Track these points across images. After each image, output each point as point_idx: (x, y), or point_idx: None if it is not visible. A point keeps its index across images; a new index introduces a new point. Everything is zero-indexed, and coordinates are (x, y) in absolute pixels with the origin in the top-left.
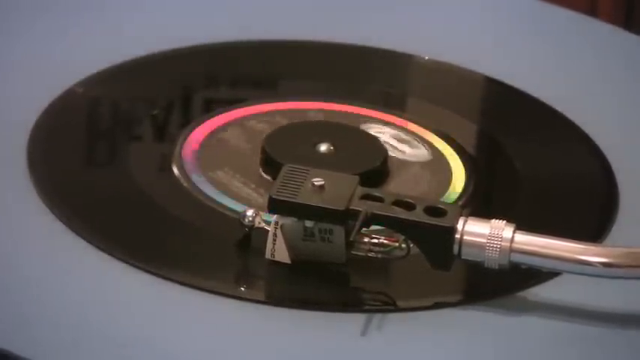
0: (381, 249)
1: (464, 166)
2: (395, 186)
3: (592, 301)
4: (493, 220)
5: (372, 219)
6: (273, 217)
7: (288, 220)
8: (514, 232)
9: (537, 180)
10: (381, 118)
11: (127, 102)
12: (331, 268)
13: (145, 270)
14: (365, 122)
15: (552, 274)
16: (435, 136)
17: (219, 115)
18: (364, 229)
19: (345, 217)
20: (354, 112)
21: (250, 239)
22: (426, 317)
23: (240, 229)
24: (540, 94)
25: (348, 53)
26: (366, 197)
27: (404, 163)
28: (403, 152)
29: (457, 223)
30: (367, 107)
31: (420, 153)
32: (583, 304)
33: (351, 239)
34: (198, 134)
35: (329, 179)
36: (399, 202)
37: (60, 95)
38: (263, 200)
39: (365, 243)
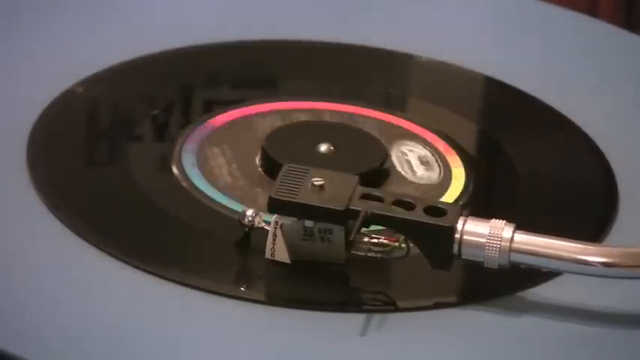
0: (381, 249)
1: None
2: (394, 186)
3: (592, 301)
4: (493, 220)
5: (372, 219)
6: (273, 217)
7: (288, 220)
8: (514, 231)
9: (537, 180)
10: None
11: (126, 102)
12: (331, 268)
13: (145, 270)
14: (394, 134)
15: (552, 274)
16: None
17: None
18: (364, 228)
19: (344, 216)
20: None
21: (250, 239)
22: (426, 317)
23: (240, 229)
24: (540, 94)
25: (348, 53)
26: (365, 197)
27: (403, 181)
28: (414, 173)
29: (457, 222)
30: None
31: (430, 177)
32: (583, 304)
33: (351, 239)
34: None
35: (329, 179)
36: (398, 202)
37: (60, 95)
38: (263, 200)
39: (365, 243)
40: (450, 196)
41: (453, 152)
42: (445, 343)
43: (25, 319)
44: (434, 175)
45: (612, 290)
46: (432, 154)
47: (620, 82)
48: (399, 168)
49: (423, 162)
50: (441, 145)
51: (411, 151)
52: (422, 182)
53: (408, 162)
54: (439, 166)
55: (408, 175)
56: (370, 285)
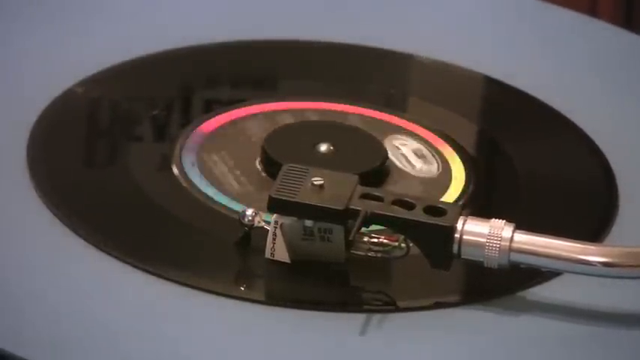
0: (381, 248)
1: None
2: (394, 186)
3: (592, 301)
4: (492, 220)
5: (372, 218)
6: (273, 217)
7: (288, 220)
8: (513, 231)
9: (537, 180)
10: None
11: (127, 102)
12: (331, 268)
13: (145, 270)
14: (391, 132)
15: (552, 274)
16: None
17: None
18: (364, 228)
19: (344, 216)
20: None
21: (250, 239)
22: (426, 317)
23: (240, 229)
24: (540, 94)
25: (348, 53)
26: (365, 196)
27: (405, 176)
28: (413, 167)
29: (457, 222)
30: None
31: (430, 169)
32: (583, 304)
33: (351, 238)
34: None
35: (328, 178)
36: (398, 202)
37: (60, 95)
38: (263, 200)
39: (364, 242)
40: (450, 196)
41: (453, 152)
42: (445, 343)
43: (25, 319)
44: (432, 167)
45: (612, 290)
46: (426, 147)
47: (620, 82)
48: (397, 163)
49: (419, 155)
50: (441, 145)
51: (404, 145)
52: (421, 175)
53: (405, 156)
54: (435, 158)
55: (408, 169)
56: (370, 285)
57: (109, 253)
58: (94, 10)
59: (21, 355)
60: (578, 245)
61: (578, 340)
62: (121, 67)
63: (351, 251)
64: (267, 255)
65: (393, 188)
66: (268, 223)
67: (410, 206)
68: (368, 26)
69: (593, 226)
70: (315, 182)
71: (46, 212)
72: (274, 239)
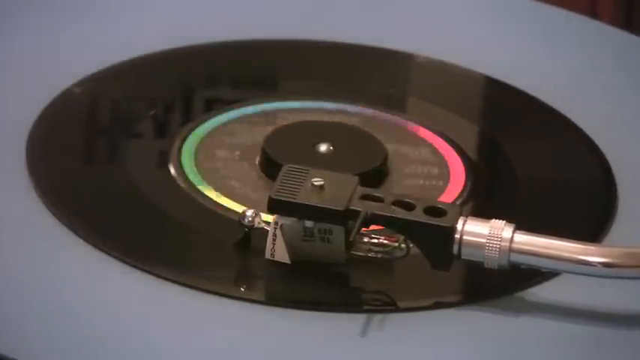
0: (381, 249)
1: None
2: (394, 186)
3: (592, 301)
4: (493, 220)
5: (372, 219)
6: (273, 218)
7: (288, 221)
8: (513, 232)
9: (537, 180)
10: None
11: (126, 102)
12: (331, 268)
13: (145, 270)
14: (400, 138)
15: (552, 274)
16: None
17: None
18: (364, 229)
19: (344, 217)
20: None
21: (250, 239)
22: (426, 317)
23: (240, 230)
24: (540, 94)
25: (348, 53)
26: (365, 197)
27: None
28: (413, 172)
29: (457, 223)
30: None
31: (429, 173)
32: (583, 304)
33: (351, 239)
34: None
35: (329, 179)
36: (398, 202)
37: (59, 95)
38: (263, 201)
39: (365, 243)
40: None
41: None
42: (445, 343)
43: (23, 320)
44: (433, 171)
45: (612, 290)
46: (430, 154)
47: (620, 82)
48: (398, 167)
49: (422, 161)
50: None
51: (409, 150)
52: (421, 182)
53: (407, 161)
54: (437, 164)
55: (407, 175)
56: (370, 285)
57: (108, 253)
58: (93, 10)
59: (19, 357)
60: (579, 246)
61: (577, 340)
62: (120, 66)
63: (352, 252)
64: (267, 256)
65: (396, 180)
66: (268, 224)
67: (410, 207)
68: (368, 26)
69: (592, 226)
70: (315, 183)
71: (45, 212)
72: (274, 240)
